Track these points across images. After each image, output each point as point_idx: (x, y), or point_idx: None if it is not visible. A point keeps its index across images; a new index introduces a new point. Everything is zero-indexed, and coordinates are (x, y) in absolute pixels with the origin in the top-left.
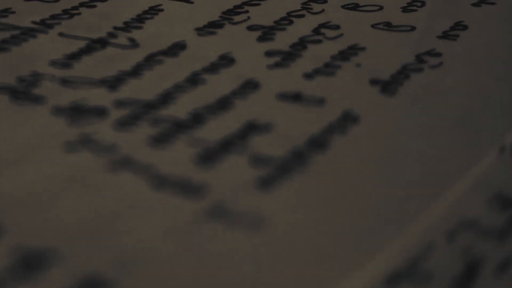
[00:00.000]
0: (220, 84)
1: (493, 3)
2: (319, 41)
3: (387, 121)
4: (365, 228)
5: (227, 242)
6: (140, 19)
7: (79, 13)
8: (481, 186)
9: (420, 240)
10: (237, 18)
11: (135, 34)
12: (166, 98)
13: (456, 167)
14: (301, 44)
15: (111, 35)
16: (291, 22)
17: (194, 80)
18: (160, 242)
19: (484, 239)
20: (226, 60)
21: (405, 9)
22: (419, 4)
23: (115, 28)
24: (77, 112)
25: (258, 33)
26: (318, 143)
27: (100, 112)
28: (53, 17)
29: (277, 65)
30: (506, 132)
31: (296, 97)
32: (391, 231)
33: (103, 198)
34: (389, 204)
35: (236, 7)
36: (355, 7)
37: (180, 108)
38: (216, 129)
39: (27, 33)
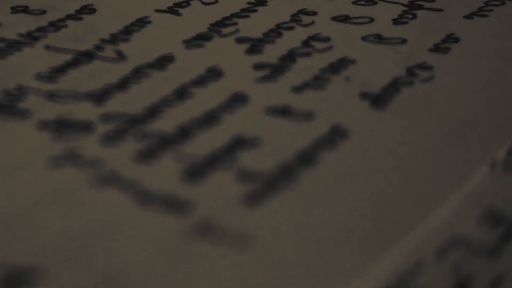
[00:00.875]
0: (207, 98)
1: (485, 15)
2: (309, 54)
3: (377, 136)
4: (353, 245)
5: (213, 261)
6: (127, 32)
7: (66, 26)
8: (472, 202)
9: (409, 258)
10: (225, 30)
11: (122, 46)
12: (153, 112)
13: (446, 183)
14: (290, 57)
15: (98, 47)
16: (280, 34)
17: (181, 93)
18: (144, 260)
19: (474, 257)
20: (214, 73)
21: (396, 22)
22: (410, 16)
23: (102, 40)
24: (62, 127)
25: (246, 46)
26: (306, 158)
27: (85, 127)
28: (39, 29)
29: (265, 78)
30: (498, 147)
31: (284, 111)
32: (380, 249)
33: (88, 215)
34: (378, 221)
35: (224, 19)
36: (345, 19)
37: (167, 123)
38: (203, 144)
39: (13, 46)
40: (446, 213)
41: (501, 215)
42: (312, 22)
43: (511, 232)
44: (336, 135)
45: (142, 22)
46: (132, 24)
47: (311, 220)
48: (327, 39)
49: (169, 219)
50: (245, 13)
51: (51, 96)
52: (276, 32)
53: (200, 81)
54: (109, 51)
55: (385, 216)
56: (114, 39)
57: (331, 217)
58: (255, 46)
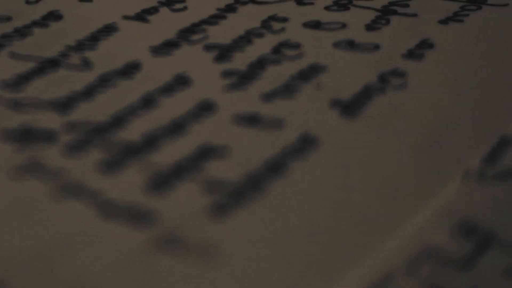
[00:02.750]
0: (174, 106)
1: (461, 21)
2: (278, 61)
3: (347, 145)
4: (322, 258)
5: (178, 274)
6: (94, 38)
7: (32, 32)
8: (444, 213)
9: (379, 270)
10: (194, 37)
11: (89, 53)
12: (118, 121)
13: (418, 194)
14: (259, 64)
15: (64, 55)
16: (250, 41)
17: (147, 101)
18: (107, 273)
19: (447, 269)
20: (181, 81)
21: (369, 27)
22: (383, 21)
23: (68, 47)
24: (25, 136)
25: (215, 53)
26: (275, 168)
27: (49, 136)
28: (4, 36)
29: (234, 86)
30: (471, 157)
31: (253, 120)
32: (350, 261)
33: (50, 227)
34: (348, 232)
35: (193, 25)
36: (317, 25)
37: (133, 132)
38: (169, 153)
39: None
40: (418, 224)
41: (474, 226)
42: (283, 29)
43: (484, 244)
44: (305, 144)
45: (109, 29)
46: (99, 30)
47: (279, 232)
48: (297, 46)
49: (133, 231)
50: (214, 19)
51: (15, 104)
52: (245, 38)
53: (167, 89)
54: (75, 59)
55: (355, 228)
56: (80, 46)
57: (299, 229)
58: (224, 53)
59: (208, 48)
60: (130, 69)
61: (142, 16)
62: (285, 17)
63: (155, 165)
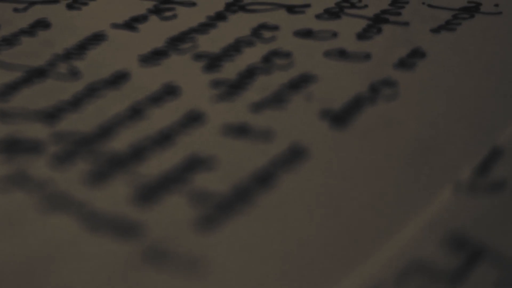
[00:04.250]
0: (162, 117)
1: (453, 29)
2: (268, 70)
3: (337, 156)
4: (312, 270)
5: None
6: (82, 47)
7: (19, 41)
8: (434, 225)
9: (368, 283)
10: (183, 46)
11: (77, 62)
12: (105, 131)
13: (408, 205)
14: (249, 74)
15: (52, 64)
16: (239, 50)
17: (135, 112)
18: (92, 287)
19: (436, 282)
20: (169, 91)
21: (360, 36)
22: (375, 30)
23: (56, 56)
24: (12, 147)
25: (204, 62)
26: (263, 179)
27: (35, 147)
28: None
29: (223, 96)
30: (462, 168)
31: (242, 130)
32: (339, 274)
33: (35, 240)
34: (337, 245)
35: (182, 34)
36: (308, 33)
37: (120, 142)
38: (157, 164)
39: None
40: (408, 236)
41: (465, 239)
42: (273, 37)
43: (474, 257)
44: (295, 155)
45: (97, 38)
46: (87, 39)
47: (267, 245)
48: (288, 55)
49: (119, 244)
50: (204, 27)
51: (1, 114)
52: (235, 47)
53: (156, 99)
54: (63, 68)
55: (344, 240)
56: (68, 55)
57: (287, 242)
58: (213, 62)
59: (197, 57)
60: (118, 79)
61: (131, 25)
62: (276, 25)
63: (142, 177)
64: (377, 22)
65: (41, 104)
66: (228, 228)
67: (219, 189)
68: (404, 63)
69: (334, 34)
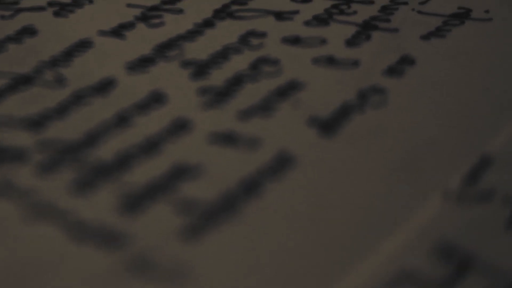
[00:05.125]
0: (149, 124)
1: (443, 36)
2: (256, 78)
3: (325, 165)
4: (297, 281)
5: None
6: (68, 54)
7: (6, 48)
8: (423, 234)
9: None
10: (170, 54)
11: (63, 70)
12: (91, 139)
13: (397, 214)
14: (236, 81)
15: (38, 71)
16: (227, 57)
17: (121, 119)
18: None
19: None
20: (156, 98)
21: (349, 43)
22: (364, 37)
23: (43, 63)
24: None
25: (191, 69)
26: (250, 188)
27: (20, 155)
28: None
29: (210, 103)
30: (451, 177)
31: (228, 138)
32: (326, 283)
33: (19, 249)
34: (324, 254)
35: (170, 41)
36: (296, 40)
37: (106, 150)
38: (143, 173)
39: None
40: (396, 245)
41: (454, 248)
42: (261, 44)
43: (463, 266)
44: (282, 163)
45: (84, 45)
46: (74, 46)
47: (254, 255)
48: (276, 62)
49: (104, 253)
50: (191, 34)
51: None
52: (223, 54)
53: (142, 106)
54: (49, 75)
55: (331, 250)
56: (55, 62)
57: (274, 251)
58: (200, 69)
59: (185, 64)
60: (104, 86)
61: (118, 32)
62: (264, 32)
63: (128, 185)
64: (366, 29)
65: (27, 112)
66: (214, 237)
67: (205, 197)
68: (393, 70)
69: (323, 41)
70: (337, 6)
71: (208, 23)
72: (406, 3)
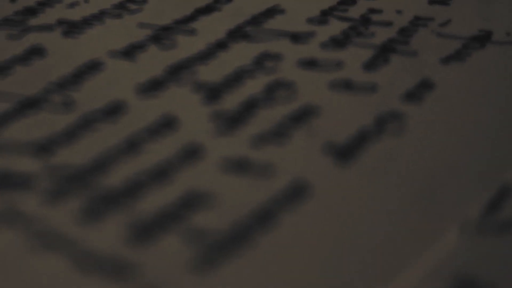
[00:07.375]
0: (160, 150)
1: (463, 60)
2: (270, 102)
3: (341, 195)
4: None
5: None
6: (78, 76)
7: (14, 70)
8: (441, 267)
9: None
10: (182, 76)
11: (72, 92)
12: (100, 165)
13: (414, 246)
14: (249, 106)
15: (46, 93)
16: (240, 81)
17: (131, 145)
18: None
19: None
20: (167, 123)
21: (366, 66)
22: (381, 60)
23: (51, 85)
24: (0, 182)
25: (204, 93)
26: (264, 219)
27: (27, 181)
28: None
29: (222, 129)
30: (470, 207)
31: (242, 166)
32: None
33: (24, 281)
34: (340, 287)
35: (183, 63)
36: (312, 63)
37: (115, 178)
38: (153, 201)
39: None
40: (413, 278)
41: (473, 281)
42: (276, 67)
43: None
44: (297, 193)
45: (94, 66)
46: (83, 68)
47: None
48: (291, 86)
49: (112, 285)
50: (204, 57)
51: None
52: (236, 78)
53: (153, 132)
54: (57, 98)
55: (347, 283)
56: (63, 84)
57: (288, 285)
58: (213, 93)
59: (197, 87)
60: (114, 110)
61: (128, 53)
62: (279, 54)
63: (138, 214)
64: (384, 52)
65: (34, 136)
66: (226, 269)
67: (217, 228)
68: (412, 95)
69: (339, 64)
70: (354, 27)
71: (221, 45)
72: (425, 25)
